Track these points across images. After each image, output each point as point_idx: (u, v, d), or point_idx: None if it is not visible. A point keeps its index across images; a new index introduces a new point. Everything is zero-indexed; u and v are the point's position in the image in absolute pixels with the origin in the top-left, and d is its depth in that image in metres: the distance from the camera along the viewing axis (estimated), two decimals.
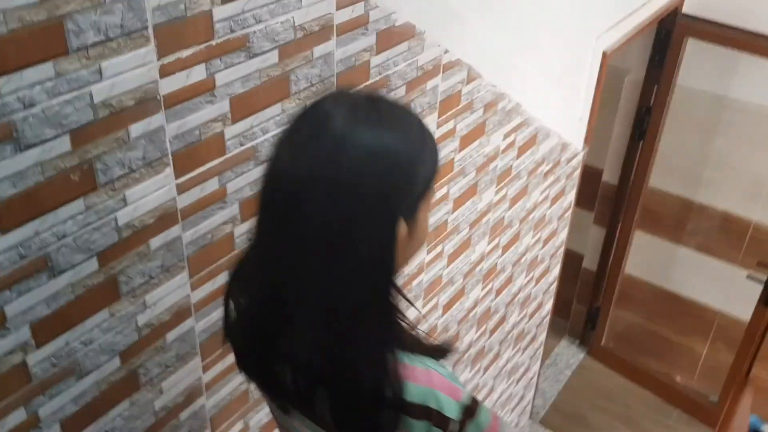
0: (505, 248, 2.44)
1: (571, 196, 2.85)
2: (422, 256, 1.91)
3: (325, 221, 0.77)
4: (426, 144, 0.83)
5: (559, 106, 2.39)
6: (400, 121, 0.82)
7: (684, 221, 3.72)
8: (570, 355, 4.29)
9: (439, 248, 1.99)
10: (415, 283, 1.93)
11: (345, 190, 0.76)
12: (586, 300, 4.18)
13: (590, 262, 4.06)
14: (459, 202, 1.99)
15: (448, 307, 2.20)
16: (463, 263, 2.19)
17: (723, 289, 3.71)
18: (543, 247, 2.79)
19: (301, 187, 0.77)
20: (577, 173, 2.80)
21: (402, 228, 0.81)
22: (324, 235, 0.77)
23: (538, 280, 2.91)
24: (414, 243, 0.86)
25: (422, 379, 0.85)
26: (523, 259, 2.64)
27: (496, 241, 2.34)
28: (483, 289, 2.40)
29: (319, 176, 0.76)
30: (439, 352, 0.91)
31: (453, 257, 2.10)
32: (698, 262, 3.73)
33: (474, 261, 2.25)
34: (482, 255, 2.29)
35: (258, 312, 0.89)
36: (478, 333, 2.53)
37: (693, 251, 3.74)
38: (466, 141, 1.88)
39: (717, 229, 3.64)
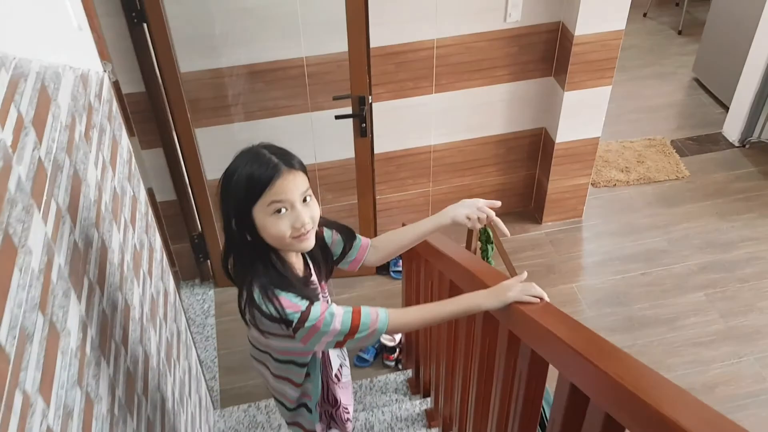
0: (101, 272, 1.50)
1: (125, 140, 1.95)
2: None
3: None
4: (239, 180, 1.37)
5: (42, 20, 1.40)
6: (238, 162, 1.39)
7: (227, 95, 3.11)
8: (203, 301, 3.58)
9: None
10: None
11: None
12: (182, 235, 3.43)
13: (165, 194, 3.25)
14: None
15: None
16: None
17: (319, 143, 3.33)
18: (134, 230, 1.89)
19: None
20: (116, 106, 1.88)
21: (234, 225, 1.43)
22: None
23: (151, 272, 2.04)
24: (266, 236, 1.42)
25: (265, 298, 1.43)
26: (126, 268, 1.73)
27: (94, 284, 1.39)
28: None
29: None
30: (296, 287, 1.46)
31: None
32: (282, 126, 3.22)
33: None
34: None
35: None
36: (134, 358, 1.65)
37: (268, 118, 3.20)
38: None
39: (267, 85, 3.13)
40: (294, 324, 1.41)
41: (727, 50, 4.64)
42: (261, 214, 1.39)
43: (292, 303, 1.43)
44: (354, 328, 1.44)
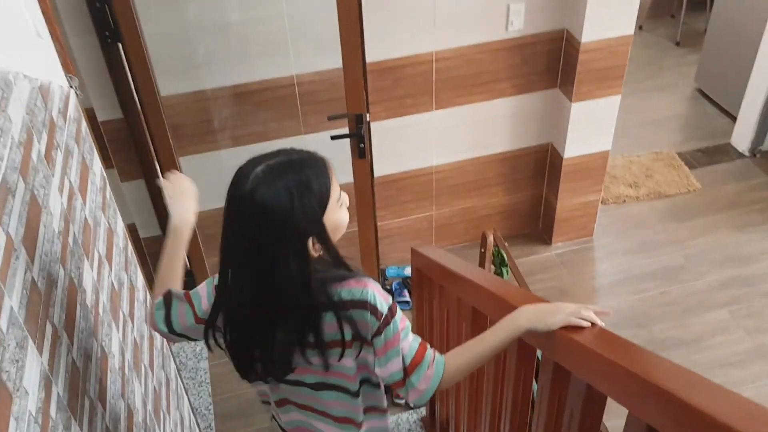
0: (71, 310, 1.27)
1: (97, 165, 1.73)
2: None
3: (257, 252, 1.18)
4: (305, 191, 1.16)
5: None
6: (287, 176, 1.16)
7: (213, 120, 2.90)
8: (194, 343, 3.33)
9: None
10: None
11: (268, 236, 1.16)
12: None
13: (149, 230, 3.02)
14: None
15: None
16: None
17: None
18: (110, 267, 1.66)
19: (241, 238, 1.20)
20: (85, 126, 1.66)
21: (311, 241, 1.19)
22: (260, 263, 1.18)
23: (133, 314, 1.80)
24: (339, 232, 1.26)
25: (359, 284, 1.24)
26: (102, 311, 1.50)
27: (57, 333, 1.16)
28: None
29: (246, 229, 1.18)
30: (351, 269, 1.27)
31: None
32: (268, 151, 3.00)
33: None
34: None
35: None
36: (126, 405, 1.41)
37: (257, 143, 2.99)
38: None
39: (255, 107, 2.93)
40: (384, 315, 1.24)
41: (730, 59, 4.49)
42: (332, 214, 1.22)
43: (382, 291, 1.27)
44: (417, 359, 1.28)
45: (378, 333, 1.25)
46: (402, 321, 1.28)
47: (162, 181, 1.42)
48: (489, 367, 1.73)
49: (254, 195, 1.13)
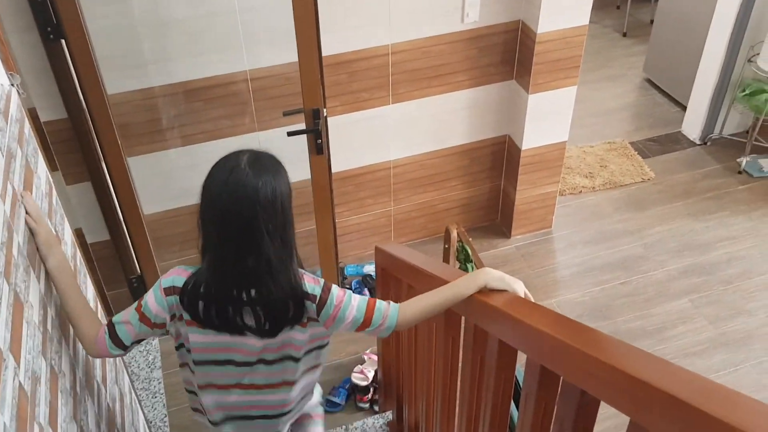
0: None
1: (42, 168, 1.61)
2: None
3: (263, 226, 1.35)
4: (285, 178, 1.41)
5: None
6: (272, 164, 1.39)
7: (162, 118, 2.77)
8: (146, 352, 3.19)
9: None
10: None
11: (272, 214, 1.37)
12: (118, 279, 3.05)
13: (97, 234, 2.88)
14: None
15: None
16: None
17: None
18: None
19: (251, 215, 1.34)
20: (29, 127, 1.54)
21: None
22: (264, 234, 1.36)
23: None
24: None
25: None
26: (51, 326, 1.39)
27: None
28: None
29: (258, 209, 1.34)
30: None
31: None
32: (226, 149, 2.89)
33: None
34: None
35: (229, 283, 1.41)
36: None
37: (209, 141, 2.87)
38: None
39: (206, 104, 2.82)
40: (319, 296, 1.44)
41: (678, 49, 4.56)
42: None
43: (312, 277, 1.47)
44: (371, 306, 1.48)
45: (319, 310, 1.46)
46: (340, 292, 1.47)
47: (35, 227, 1.41)
48: (465, 367, 1.68)
49: (252, 176, 1.32)
